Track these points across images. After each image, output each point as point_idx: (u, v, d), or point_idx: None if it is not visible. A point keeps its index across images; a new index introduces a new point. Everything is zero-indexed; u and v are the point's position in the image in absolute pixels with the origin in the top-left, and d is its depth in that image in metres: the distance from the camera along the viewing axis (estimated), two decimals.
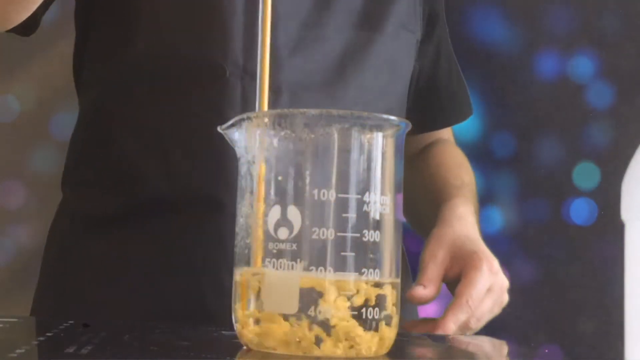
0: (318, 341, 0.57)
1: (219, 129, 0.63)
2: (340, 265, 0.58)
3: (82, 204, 0.96)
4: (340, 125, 0.59)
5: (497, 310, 0.88)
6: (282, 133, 0.60)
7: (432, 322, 0.85)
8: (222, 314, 0.73)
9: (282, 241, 0.58)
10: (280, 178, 0.59)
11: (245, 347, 0.60)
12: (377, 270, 0.59)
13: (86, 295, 0.91)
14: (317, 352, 0.57)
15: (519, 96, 1.23)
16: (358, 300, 0.58)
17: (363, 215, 0.59)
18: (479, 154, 1.19)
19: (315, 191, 0.58)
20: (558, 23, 1.22)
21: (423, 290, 0.84)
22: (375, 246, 0.59)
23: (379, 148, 0.60)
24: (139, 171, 0.91)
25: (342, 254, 0.58)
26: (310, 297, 0.58)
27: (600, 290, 1.18)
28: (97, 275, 0.92)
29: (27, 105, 1.20)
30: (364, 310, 0.58)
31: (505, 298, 0.89)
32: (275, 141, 0.60)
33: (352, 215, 0.59)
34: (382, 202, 0.60)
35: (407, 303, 0.86)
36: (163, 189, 0.90)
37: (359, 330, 0.58)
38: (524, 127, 1.22)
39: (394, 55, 0.98)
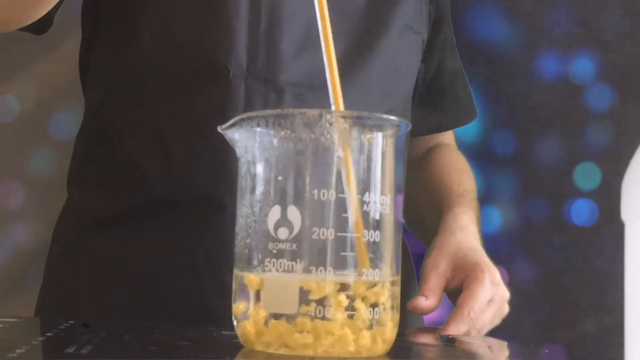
0: (318, 341, 0.57)
1: (219, 129, 0.63)
2: (340, 265, 0.58)
3: (86, 204, 0.96)
4: (340, 125, 0.59)
5: (497, 321, 0.89)
6: (282, 133, 0.60)
7: (434, 331, 0.86)
8: (223, 314, 0.73)
9: (282, 241, 0.58)
10: (280, 178, 0.59)
11: (245, 347, 0.60)
12: (377, 270, 0.59)
13: (90, 294, 0.92)
14: (317, 352, 0.57)
15: (520, 97, 1.23)
16: (358, 300, 0.58)
17: (363, 215, 0.59)
18: (480, 154, 1.19)
19: (315, 191, 0.58)
20: (559, 23, 1.22)
21: (425, 301, 0.85)
22: (375, 246, 0.59)
23: (379, 148, 0.60)
24: (142, 171, 0.91)
25: (342, 254, 0.58)
26: (310, 297, 0.58)
27: (601, 290, 1.18)
28: (100, 274, 0.92)
29: (27, 105, 1.20)
30: (364, 310, 0.58)
31: (506, 309, 0.90)
32: (275, 141, 0.60)
33: (352, 215, 0.59)
34: (382, 202, 0.60)
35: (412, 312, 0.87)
36: (165, 188, 0.90)
37: (359, 330, 0.58)
38: (524, 128, 1.22)
39: (398, 56, 0.98)
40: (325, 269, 0.58)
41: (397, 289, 0.61)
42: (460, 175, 1.05)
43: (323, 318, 0.57)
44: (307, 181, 0.59)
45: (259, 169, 0.60)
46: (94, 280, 0.92)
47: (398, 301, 0.61)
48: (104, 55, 0.97)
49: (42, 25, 0.94)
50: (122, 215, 0.92)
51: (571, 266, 1.19)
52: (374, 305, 0.59)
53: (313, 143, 0.59)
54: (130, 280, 0.90)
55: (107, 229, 0.93)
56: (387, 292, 0.60)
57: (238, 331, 0.61)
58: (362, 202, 0.59)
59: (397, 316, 0.61)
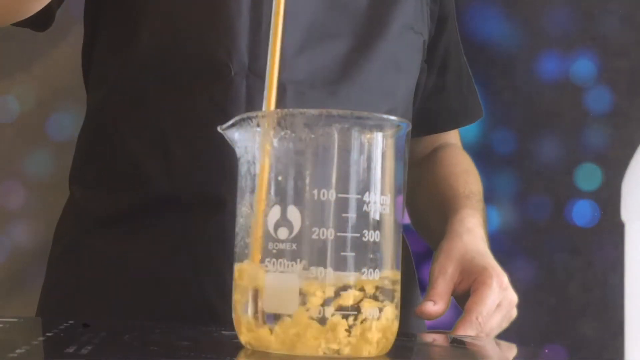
0: (318, 341, 0.57)
1: (219, 128, 0.63)
2: (340, 265, 0.58)
3: (88, 203, 0.96)
4: (340, 125, 0.59)
5: (505, 325, 0.89)
6: (282, 133, 0.60)
7: (443, 334, 0.86)
8: (223, 314, 0.73)
9: (282, 241, 0.58)
10: (280, 178, 0.59)
11: (245, 347, 0.60)
12: (377, 270, 0.59)
13: (91, 293, 0.92)
14: (317, 352, 0.57)
15: (520, 97, 1.23)
16: (358, 300, 0.58)
17: (363, 215, 0.59)
18: (480, 154, 1.19)
19: (315, 191, 0.58)
20: (559, 23, 1.22)
21: (433, 306, 0.85)
22: (376, 246, 0.59)
23: (379, 148, 0.60)
24: (143, 170, 0.91)
25: (342, 254, 0.58)
26: (310, 297, 0.58)
27: (601, 290, 1.18)
28: (100, 274, 0.92)
29: (27, 105, 1.20)
30: (364, 310, 0.58)
31: (514, 313, 0.90)
32: (275, 141, 0.60)
33: (352, 215, 0.59)
34: (382, 202, 0.60)
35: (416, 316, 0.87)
36: (166, 188, 0.90)
37: (359, 330, 0.58)
38: (525, 128, 1.22)
39: (399, 55, 0.98)
40: (325, 269, 0.58)
41: (398, 289, 0.61)
42: (466, 176, 1.05)
43: (323, 318, 0.57)
44: (307, 181, 0.59)
45: (259, 168, 0.60)
46: (95, 279, 0.92)
47: (398, 301, 0.61)
48: (105, 54, 0.97)
49: (43, 21, 0.94)
50: (123, 215, 0.92)
51: (571, 266, 1.19)
52: (374, 305, 0.59)
53: (313, 143, 0.59)
54: (131, 280, 0.90)
55: (107, 228, 0.93)
56: (387, 292, 0.60)
57: (238, 331, 0.61)
58: (362, 202, 0.59)
59: (397, 316, 0.61)
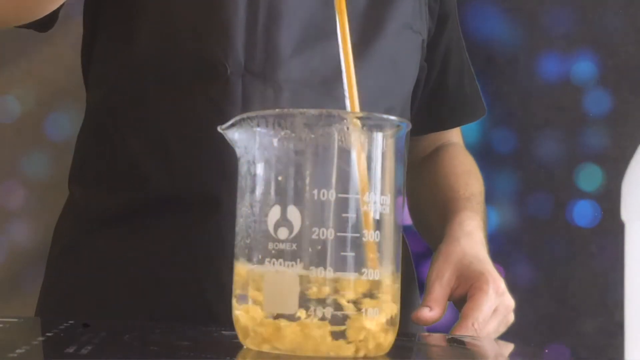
0: (317, 341, 0.57)
1: (219, 128, 0.63)
2: (340, 265, 0.58)
3: (87, 203, 0.96)
4: (340, 125, 0.59)
5: (502, 330, 0.89)
6: (282, 133, 0.60)
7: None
8: (223, 313, 0.73)
9: (282, 241, 0.58)
10: (280, 178, 0.59)
11: (245, 347, 0.60)
12: (377, 270, 0.59)
13: (90, 293, 0.92)
14: (317, 352, 0.57)
15: (520, 96, 1.22)
16: (358, 301, 0.58)
17: (363, 215, 0.59)
18: (480, 153, 1.19)
19: (315, 191, 0.58)
20: (560, 23, 1.22)
21: (429, 312, 0.85)
22: (375, 246, 0.59)
23: (379, 148, 0.60)
24: (142, 170, 0.91)
25: (342, 254, 0.58)
26: (309, 297, 0.58)
27: (601, 290, 1.18)
28: (100, 274, 0.92)
29: (27, 105, 1.20)
30: (363, 310, 0.58)
31: (511, 318, 0.90)
32: (275, 141, 0.60)
33: (352, 215, 0.59)
34: (382, 202, 0.60)
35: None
36: (166, 188, 0.90)
37: (359, 330, 0.58)
38: (524, 128, 1.22)
39: (396, 55, 0.97)
40: (325, 269, 0.58)
41: (397, 289, 0.61)
42: (467, 177, 1.05)
43: (323, 318, 0.57)
44: (307, 181, 0.59)
45: (259, 169, 0.60)
46: (94, 279, 0.92)
47: (398, 301, 0.61)
48: (104, 54, 0.97)
49: (47, 22, 0.94)
50: (122, 215, 0.92)
51: (571, 266, 1.19)
52: (374, 305, 0.59)
53: (313, 143, 0.59)
54: (130, 280, 0.90)
55: (107, 228, 0.93)
56: (387, 292, 0.60)
57: (238, 331, 0.61)
58: (362, 202, 0.59)
59: (397, 316, 0.61)
